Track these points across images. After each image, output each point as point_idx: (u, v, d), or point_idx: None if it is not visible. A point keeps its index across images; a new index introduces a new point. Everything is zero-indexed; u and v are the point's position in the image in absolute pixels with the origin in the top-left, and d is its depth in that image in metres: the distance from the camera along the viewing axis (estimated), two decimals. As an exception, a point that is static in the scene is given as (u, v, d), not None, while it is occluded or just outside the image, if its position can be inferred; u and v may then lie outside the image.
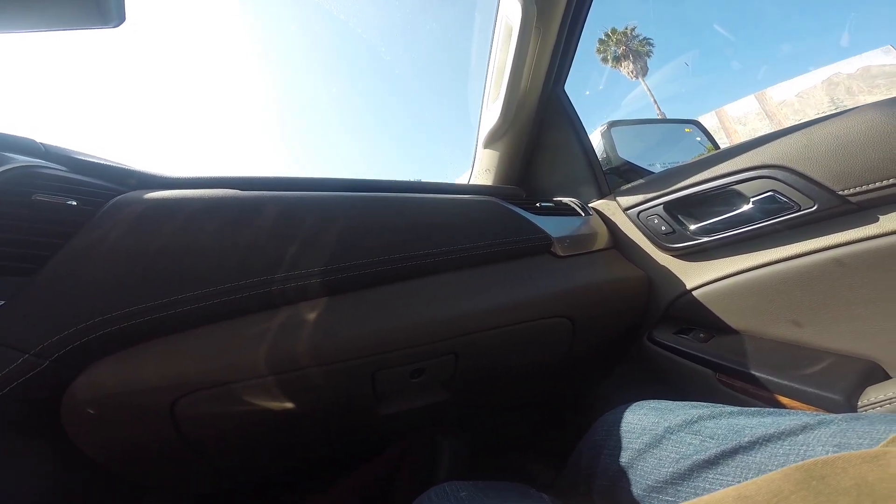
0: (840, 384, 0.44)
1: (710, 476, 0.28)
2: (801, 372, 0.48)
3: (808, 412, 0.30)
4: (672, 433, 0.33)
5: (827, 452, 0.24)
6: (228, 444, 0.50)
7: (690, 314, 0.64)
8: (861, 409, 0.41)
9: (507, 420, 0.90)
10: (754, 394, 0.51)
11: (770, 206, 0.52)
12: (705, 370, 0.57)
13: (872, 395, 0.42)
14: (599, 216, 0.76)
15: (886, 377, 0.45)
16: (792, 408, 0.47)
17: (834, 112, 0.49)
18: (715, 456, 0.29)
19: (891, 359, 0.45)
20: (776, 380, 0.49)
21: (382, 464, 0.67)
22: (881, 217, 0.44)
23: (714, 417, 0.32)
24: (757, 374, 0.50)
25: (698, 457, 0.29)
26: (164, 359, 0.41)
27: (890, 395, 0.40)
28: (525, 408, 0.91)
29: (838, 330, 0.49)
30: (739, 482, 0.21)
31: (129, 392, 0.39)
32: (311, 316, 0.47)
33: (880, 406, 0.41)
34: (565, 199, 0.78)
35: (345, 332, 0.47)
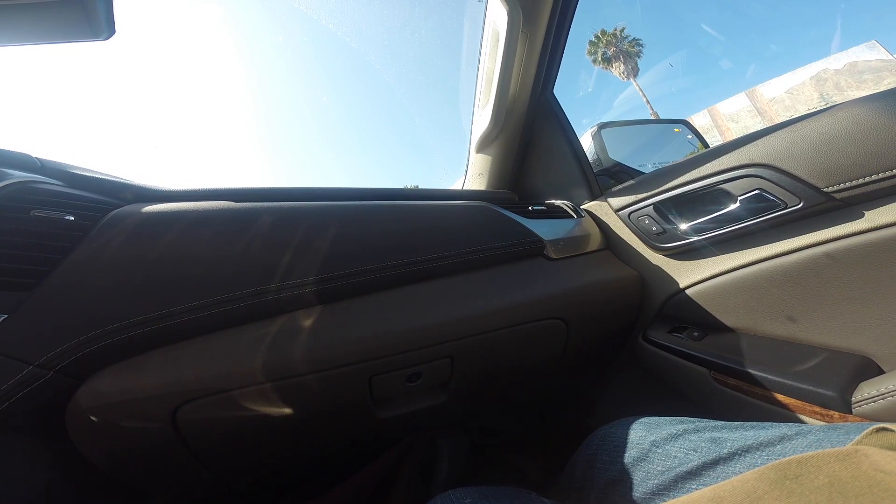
0: (833, 380, 0.44)
1: (693, 486, 0.30)
2: (795, 368, 0.48)
3: (788, 424, 0.31)
4: (658, 447, 0.34)
5: None
6: (230, 449, 0.50)
7: (684, 313, 0.64)
8: (855, 405, 0.41)
9: (503, 420, 0.90)
10: (748, 391, 0.51)
11: (757, 204, 0.53)
12: (700, 369, 0.57)
13: (866, 390, 0.42)
14: (592, 218, 0.76)
15: (880, 372, 0.45)
16: (786, 405, 0.47)
17: (819, 109, 0.50)
18: (697, 467, 0.30)
19: (883, 354, 0.45)
20: (770, 377, 0.49)
21: (380, 467, 0.67)
22: (866, 213, 0.44)
23: (698, 431, 0.34)
24: (751, 371, 0.51)
25: (682, 468, 0.31)
26: (165, 368, 0.41)
27: (883, 389, 0.40)
28: (521, 408, 0.91)
29: (830, 326, 0.49)
30: None
31: (131, 400, 0.40)
32: (307, 323, 0.47)
33: (873, 402, 0.40)
34: (557, 202, 0.79)
35: (340, 339, 0.47)
